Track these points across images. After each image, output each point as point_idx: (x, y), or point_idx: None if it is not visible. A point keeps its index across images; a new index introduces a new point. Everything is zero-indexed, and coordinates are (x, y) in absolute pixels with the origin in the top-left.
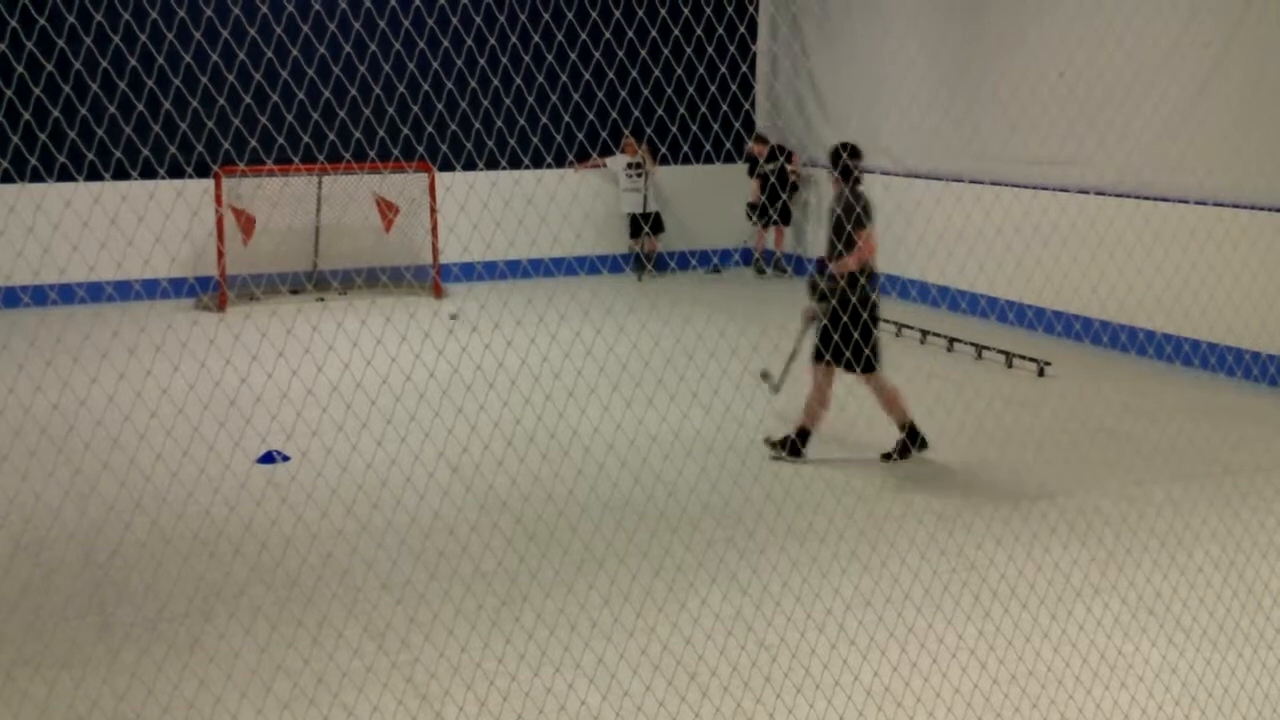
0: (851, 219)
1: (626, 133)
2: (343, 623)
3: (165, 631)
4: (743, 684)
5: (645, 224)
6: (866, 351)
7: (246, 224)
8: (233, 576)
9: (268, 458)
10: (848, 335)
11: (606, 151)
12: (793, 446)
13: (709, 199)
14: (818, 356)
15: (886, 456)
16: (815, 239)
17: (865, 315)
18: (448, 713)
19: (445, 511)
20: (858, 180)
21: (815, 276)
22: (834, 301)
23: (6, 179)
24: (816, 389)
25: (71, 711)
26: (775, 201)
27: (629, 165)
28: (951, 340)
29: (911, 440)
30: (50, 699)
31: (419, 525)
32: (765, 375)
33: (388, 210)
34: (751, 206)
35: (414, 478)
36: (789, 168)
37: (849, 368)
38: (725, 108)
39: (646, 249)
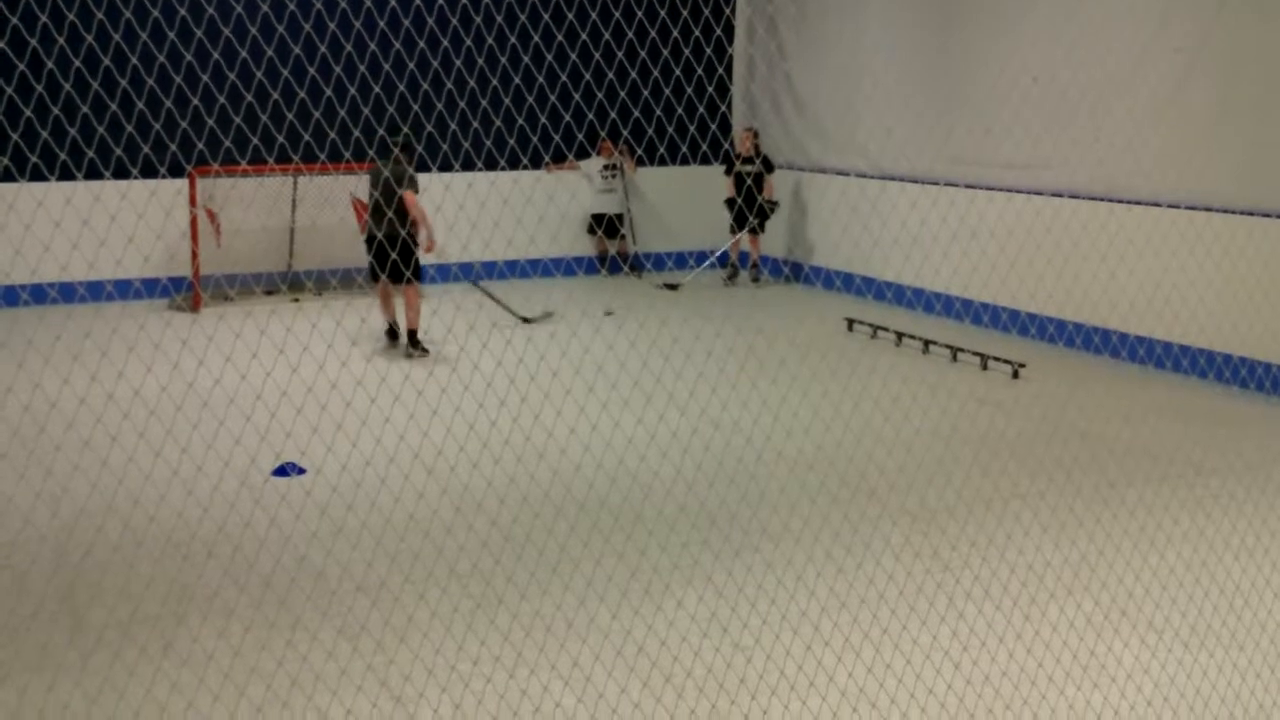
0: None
1: (603, 134)
2: (317, 625)
3: (138, 634)
4: (718, 685)
5: (621, 225)
6: (407, 273)
7: (215, 225)
8: (206, 579)
9: (281, 471)
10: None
11: (583, 154)
12: (414, 343)
13: (686, 201)
14: (374, 277)
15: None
16: (790, 239)
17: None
18: (422, 715)
19: (420, 513)
20: (398, 162)
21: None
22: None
23: None
24: (386, 298)
25: (43, 717)
26: (750, 205)
27: (605, 167)
28: (927, 342)
29: (413, 343)
30: (21, 705)
31: (394, 527)
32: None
33: (363, 211)
34: (729, 203)
35: (389, 479)
36: (766, 181)
37: (394, 280)
38: (702, 109)
39: (618, 250)
